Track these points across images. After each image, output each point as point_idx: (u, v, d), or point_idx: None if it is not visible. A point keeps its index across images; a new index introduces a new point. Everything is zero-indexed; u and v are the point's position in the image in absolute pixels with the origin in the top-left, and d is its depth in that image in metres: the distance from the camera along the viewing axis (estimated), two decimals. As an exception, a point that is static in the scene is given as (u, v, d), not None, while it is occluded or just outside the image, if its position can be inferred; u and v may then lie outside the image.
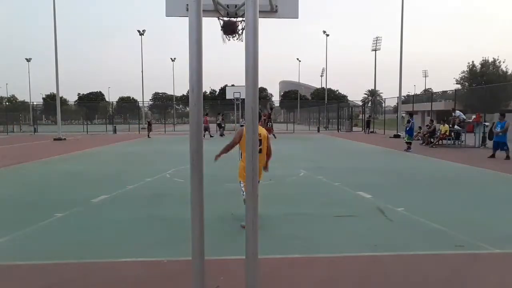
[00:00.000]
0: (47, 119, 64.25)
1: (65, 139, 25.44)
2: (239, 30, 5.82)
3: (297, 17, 5.50)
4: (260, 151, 5.08)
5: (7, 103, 72.57)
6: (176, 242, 4.66)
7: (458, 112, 19.31)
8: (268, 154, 5.37)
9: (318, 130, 37.21)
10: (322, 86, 71.31)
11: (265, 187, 7.52)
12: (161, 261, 4.03)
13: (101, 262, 4.07)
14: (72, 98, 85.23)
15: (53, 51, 25.92)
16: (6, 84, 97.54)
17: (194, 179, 2.47)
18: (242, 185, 5.28)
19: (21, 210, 6.33)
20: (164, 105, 68.37)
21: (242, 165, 5.16)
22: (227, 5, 5.35)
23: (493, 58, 45.07)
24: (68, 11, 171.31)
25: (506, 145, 12.91)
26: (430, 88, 78.62)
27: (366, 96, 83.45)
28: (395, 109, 32.32)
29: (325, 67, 59.46)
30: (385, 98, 41.17)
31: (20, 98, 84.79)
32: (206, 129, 25.22)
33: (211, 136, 25.02)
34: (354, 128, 37.38)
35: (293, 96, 73.55)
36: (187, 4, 2.50)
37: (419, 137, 19.54)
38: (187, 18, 2.35)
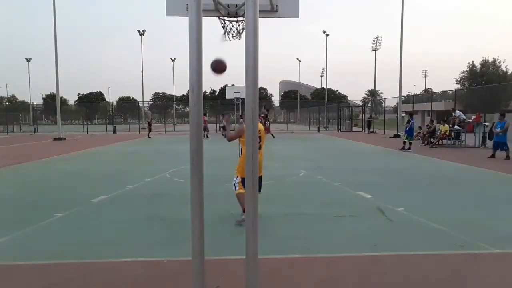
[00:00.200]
0: (47, 119, 64.27)
1: (65, 139, 25.44)
2: (239, 31, 5.83)
3: (297, 17, 5.50)
4: (260, 147, 5.13)
5: (7, 103, 72.57)
6: (176, 242, 4.66)
7: (458, 112, 19.32)
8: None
9: (318, 130, 37.20)
10: (322, 86, 71.33)
11: (265, 187, 7.50)
12: (161, 261, 4.03)
13: (101, 262, 4.07)
14: (72, 98, 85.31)
15: (53, 51, 25.95)
16: (6, 84, 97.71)
17: (194, 179, 2.47)
18: (237, 180, 5.33)
19: (21, 210, 6.32)
20: (164, 105, 68.38)
21: (243, 160, 5.19)
22: (228, 5, 5.35)
23: (493, 58, 45.12)
24: (68, 11, 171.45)
25: (506, 145, 12.90)
26: (430, 88, 78.71)
27: (366, 96, 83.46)
28: (395, 109, 32.32)
29: (325, 67, 59.52)
30: (385, 98, 41.19)
31: (20, 98, 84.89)
32: (205, 129, 25.24)
33: (207, 137, 24.97)
34: (354, 128, 37.37)
35: (293, 96, 73.55)
36: (187, 4, 2.50)
37: (419, 137, 19.54)
38: (187, 18, 2.35)
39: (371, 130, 31.81)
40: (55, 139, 24.77)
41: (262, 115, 23.68)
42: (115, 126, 36.40)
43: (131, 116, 59.53)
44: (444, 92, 43.89)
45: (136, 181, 8.71)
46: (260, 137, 4.96)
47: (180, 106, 73.60)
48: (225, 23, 5.88)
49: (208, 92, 75.49)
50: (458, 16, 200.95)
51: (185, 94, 76.00)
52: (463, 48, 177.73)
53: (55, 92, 27.94)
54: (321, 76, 73.69)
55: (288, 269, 3.89)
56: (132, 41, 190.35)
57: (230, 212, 5.82)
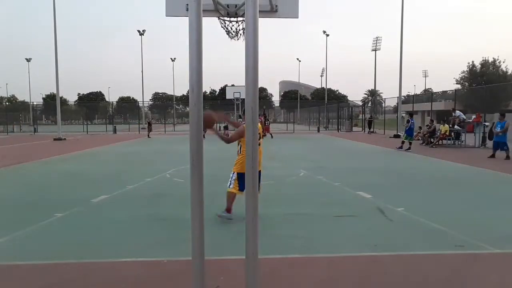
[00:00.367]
0: (47, 119, 64.31)
1: (65, 139, 25.44)
2: (239, 31, 5.83)
3: (297, 17, 5.50)
4: (259, 144, 5.14)
5: (7, 103, 72.57)
6: (176, 242, 4.66)
7: (458, 112, 19.32)
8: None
9: (318, 130, 37.21)
10: (322, 86, 71.31)
11: (265, 187, 7.51)
12: (161, 261, 4.02)
13: (101, 262, 4.07)
14: (72, 98, 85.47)
15: (53, 51, 25.96)
16: (6, 84, 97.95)
17: (194, 179, 2.47)
18: (234, 177, 5.37)
19: (21, 210, 6.32)
20: (164, 105, 68.41)
21: (242, 157, 5.23)
22: (227, 5, 5.35)
23: (493, 58, 45.10)
24: (68, 11, 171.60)
25: (506, 145, 12.91)
26: (430, 88, 78.72)
27: (366, 96, 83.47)
28: (395, 109, 32.32)
29: (325, 67, 59.53)
30: (385, 98, 41.19)
31: (20, 98, 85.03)
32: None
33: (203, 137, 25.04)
34: (354, 128, 37.37)
35: (293, 96, 73.57)
36: (187, 4, 2.50)
37: (419, 137, 19.54)
38: (187, 18, 2.35)
39: (372, 130, 31.80)
40: (55, 139, 24.78)
41: (261, 114, 24.12)
42: (115, 126, 36.41)
43: (131, 116, 59.57)
44: (444, 92, 43.91)
45: (136, 181, 8.71)
46: (259, 134, 4.99)
47: (180, 106, 73.63)
48: (225, 23, 5.88)
49: (208, 92, 75.54)
50: (458, 16, 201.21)
51: (185, 94, 76.05)
52: (463, 48, 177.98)
53: (55, 92, 27.97)
54: (321, 76, 73.72)
55: (288, 269, 3.89)
56: (132, 41, 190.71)
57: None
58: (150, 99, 79.36)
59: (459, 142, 17.96)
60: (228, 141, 5.35)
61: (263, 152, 5.55)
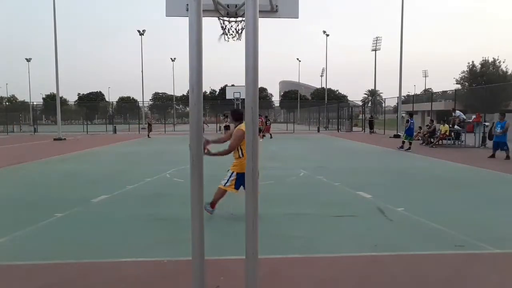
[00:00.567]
0: (47, 119, 64.29)
1: (65, 139, 25.44)
2: (239, 31, 5.83)
3: (297, 17, 5.49)
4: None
5: (7, 103, 72.56)
6: (176, 242, 4.66)
7: (458, 112, 19.31)
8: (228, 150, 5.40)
9: (318, 130, 37.21)
10: (322, 86, 71.32)
11: (265, 187, 7.51)
12: (161, 261, 4.02)
13: (101, 262, 4.07)
14: (72, 98, 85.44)
15: (53, 51, 25.95)
16: (6, 84, 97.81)
17: (194, 179, 2.47)
18: (233, 177, 5.37)
19: (21, 210, 6.32)
20: (164, 105, 68.40)
21: (245, 161, 5.22)
22: (227, 5, 5.34)
23: (493, 58, 45.12)
24: (68, 11, 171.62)
25: (506, 145, 12.90)
26: (430, 88, 78.75)
27: (366, 96, 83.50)
28: (395, 109, 32.30)
29: (325, 67, 59.56)
30: (385, 98, 41.23)
31: (20, 98, 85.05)
32: None
33: None
34: (354, 128, 37.37)
35: (293, 96, 73.57)
36: (187, 4, 2.50)
37: (419, 137, 19.54)
38: (187, 18, 2.35)
39: (372, 130, 31.75)
40: (55, 139, 24.78)
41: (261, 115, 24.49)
42: (115, 126, 36.41)
43: (131, 116, 59.55)
44: (444, 92, 43.92)
45: (136, 181, 8.71)
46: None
47: (180, 106, 73.63)
48: (224, 23, 5.87)
49: (208, 92, 75.51)
50: (458, 16, 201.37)
51: (185, 94, 76.03)
52: (463, 48, 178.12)
53: (55, 92, 27.96)
54: (321, 76, 73.73)
55: (288, 269, 3.89)
56: (132, 41, 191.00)
57: (230, 212, 5.82)
58: (150, 99, 79.42)
59: (459, 142, 17.96)
60: (229, 152, 5.35)
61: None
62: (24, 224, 5.35)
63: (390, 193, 7.45)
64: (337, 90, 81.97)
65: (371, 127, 31.88)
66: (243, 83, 2.41)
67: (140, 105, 54.46)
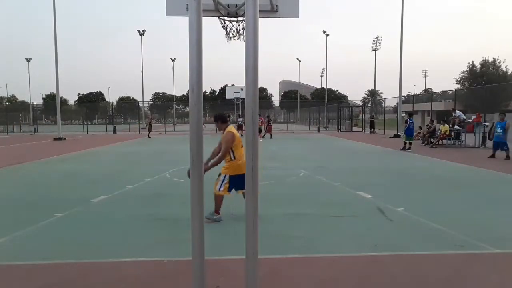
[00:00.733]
0: (47, 119, 64.30)
1: (65, 139, 25.45)
2: (239, 31, 5.83)
3: (297, 17, 5.50)
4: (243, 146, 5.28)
5: (7, 103, 72.56)
6: (176, 242, 4.65)
7: (458, 112, 19.32)
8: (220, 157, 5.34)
9: (318, 130, 37.21)
10: (322, 86, 71.32)
11: (265, 187, 7.52)
12: (161, 261, 4.02)
13: (101, 262, 4.07)
14: (72, 98, 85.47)
15: (53, 51, 25.95)
16: (6, 84, 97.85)
17: (194, 179, 2.47)
18: (225, 180, 5.35)
19: (21, 210, 6.32)
20: (164, 105, 68.41)
21: (238, 163, 5.28)
22: (228, 5, 5.35)
23: (493, 58, 45.16)
24: (68, 11, 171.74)
25: (506, 145, 12.90)
26: (430, 88, 78.75)
27: (366, 96, 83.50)
28: (395, 109, 32.31)
29: (325, 67, 59.57)
30: (385, 98, 41.24)
31: (20, 98, 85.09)
32: None
33: None
34: (354, 128, 37.38)
35: (293, 96, 73.58)
36: (187, 4, 2.50)
37: (419, 137, 19.54)
38: (187, 18, 2.35)
39: (373, 130, 31.71)
40: (55, 139, 24.78)
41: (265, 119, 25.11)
42: (115, 126, 36.41)
43: (131, 116, 59.55)
44: (444, 92, 43.91)
45: (136, 181, 8.71)
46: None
47: (180, 106, 73.63)
48: (225, 23, 5.87)
49: (208, 92, 75.55)
50: (458, 16, 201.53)
51: (185, 94, 76.05)
52: (463, 48, 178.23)
53: (55, 92, 27.97)
54: (321, 76, 73.72)
55: (288, 269, 3.89)
56: (132, 41, 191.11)
57: (230, 212, 5.82)
58: (150, 99, 79.44)
59: (459, 142, 17.96)
60: (223, 158, 5.33)
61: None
62: (24, 224, 5.35)
63: (390, 193, 7.45)
64: (337, 90, 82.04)
65: (372, 127, 31.84)
66: (243, 83, 2.41)
67: (140, 105, 54.49)
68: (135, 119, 53.05)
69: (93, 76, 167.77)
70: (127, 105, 68.31)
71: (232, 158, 5.36)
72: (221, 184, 5.38)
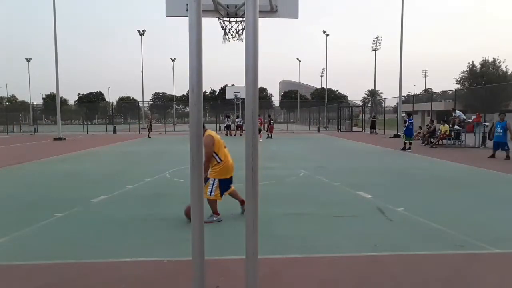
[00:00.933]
0: (47, 119, 64.31)
1: (65, 139, 25.45)
2: (239, 31, 5.82)
3: (297, 17, 5.49)
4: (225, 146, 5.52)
5: (7, 103, 72.54)
6: (176, 242, 4.65)
7: (458, 112, 19.32)
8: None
9: (318, 130, 37.21)
10: (322, 86, 71.33)
11: (265, 187, 7.52)
12: (161, 261, 4.02)
13: (101, 262, 4.07)
14: (72, 98, 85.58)
15: (53, 51, 25.96)
16: (6, 84, 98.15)
17: (194, 179, 2.48)
18: (215, 184, 5.35)
19: (21, 210, 6.32)
20: (164, 105, 68.41)
21: (225, 165, 5.38)
22: (227, 5, 5.34)
23: (493, 58, 45.19)
24: (68, 11, 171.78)
25: (507, 145, 12.91)
26: (430, 88, 78.82)
27: (366, 96, 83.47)
28: (395, 109, 32.30)
29: (325, 67, 59.58)
30: (385, 98, 41.25)
31: (20, 98, 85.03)
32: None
33: None
34: (354, 128, 37.37)
35: (293, 96, 73.57)
36: (187, 4, 2.50)
37: (419, 137, 19.54)
38: (187, 18, 2.35)
39: (374, 130, 31.65)
40: (55, 139, 24.78)
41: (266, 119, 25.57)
42: (115, 126, 36.41)
43: (131, 116, 59.54)
44: (444, 92, 43.91)
45: (136, 181, 8.71)
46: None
47: (180, 106, 73.61)
48: (224, 23, 5.87)
49: (208, 92, 75.51)
50: (458, 16, 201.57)
51: (185, 94, 76.03)
52: (463, 48, 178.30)
53: (55, 92, 27.96)
54: (321, 76, 73.77)
55: (288, 269, 3.89)
56: (132, 41, 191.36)
57: (230, 212, 5.82)
58: (150, 99, 79.45)
59: (459, 142, 17.96)
60: (208, 162, 5.32)
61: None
62: (24, 224, 5.35)
63: (390, 193, 7.45)
64: (337, 90, 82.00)
65: (373, 127, 31.77)
66: (243, 83, 2.41)
67: (140, 105, 54.47)
68: (135, 119, 53.04)
69: (93, 76, 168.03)
70: (127, 105, 68.28)
71: (219, 161, 5.36)
72: (212, 189, 5.35)
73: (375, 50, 53.99)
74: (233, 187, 5.64)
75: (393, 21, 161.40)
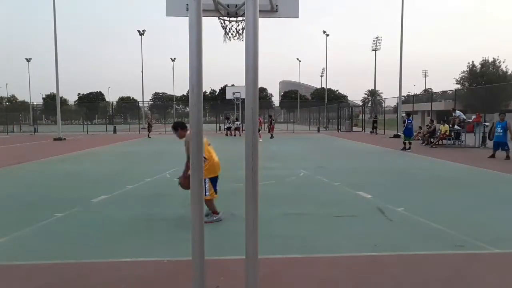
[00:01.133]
0: (47, 119, 64.29)
1: (65, 139, 25.45)
2: (239, 31, 5.82)
3: (297, 17, 5.49)
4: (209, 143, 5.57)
5: (7, 103, 72.53)
6: (176, 242, 4.65)
7: (458, 112, 19.32)
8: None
9: (318, 130, 37.21)
10: (322, 86, 71.35)
11: (265, 187, 7.52)
12: (161, 261, 4.02)
13: (101, 262, 4.07)
14: (72, 98, 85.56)
15: (53, 51, 25.95)
16: (6, 84, 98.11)
17: (194, 179, 2.48)
18: (207, 184, 5.36)
19: (21, 210, 6.32)
20: (164, 105, 68.41)
21: (211, 163, 5.44)
22: (227, 5, 5.34)
23: (493, 58, 45.24)
24: (68, 11, 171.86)
25: (507, 145, 12.91)
26: (430, 88, 78.83)
27: (366, 96, 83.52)
28: (395, 109, 32.30)
29: (325, 67, 59.61)
30: (385, 98, 41.23)
31: (20, 98, 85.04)
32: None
33: None
34: (354, 128, 37.37)
35: (293, 96, 73.56)
36: (187, 4, 2.50)
37: (419, 137, 19.53)
38: (187, 18, 2.35)
39: (374, 130, 31.62)
40: (55, 139, 24.78)
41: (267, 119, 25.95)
42: (115, 126, 36.42)
43: (131, 116, 59.53)
44: (444, 92, 43.94)
45: (136, 181, 8.71)
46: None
47: (180, 106, 73.58)
48: (225, 23, 5.87)
49: (208, 92, 75.50)
50: (458, 16, 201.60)
51: (185, 94, 76.02)
52: (463, 48, 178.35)
53: (55, 92, 27.96)
54: (321, 76, 73.81)
55: (288, 269, 3.89)
56: (132, 41, 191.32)
57: (230, 212, 5.82)
58: (150, 99, 79.45)
59: (459, 142, 17.96)
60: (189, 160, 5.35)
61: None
62: (24, 224, 5.35)
63: (390, 193, 7.45)
64: (337, 90, 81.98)
65: (375, 127, 31.73)
66: (243, 83, 2.41)
67: (140, 105, 54.47)
68: (135, 119, 53.03)
69: (93, 76, 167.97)
70: (127, 105, 68.27)
71: (205, 160, 5.36)
72: (205, 189, 5.33)
73: (375, 50, 54.07)
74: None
75: (393, 21, 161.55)
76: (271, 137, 25.44)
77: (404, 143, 16.36)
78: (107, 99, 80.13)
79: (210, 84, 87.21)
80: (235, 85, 39.74)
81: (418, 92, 75.48)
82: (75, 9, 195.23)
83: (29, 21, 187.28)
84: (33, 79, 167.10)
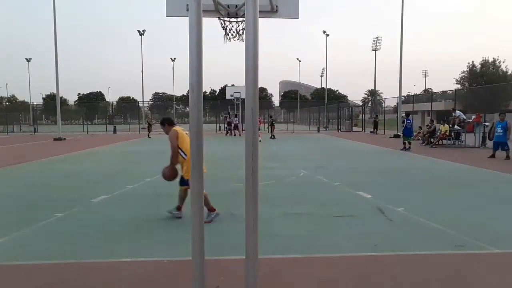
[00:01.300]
0: (47, 119, 64.27)
1: (65, 139, 25.45)
2: (239, 31, 5.82)
3: (297, 17, 5.49)
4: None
5: (7, 103, 72.52)
6: (176, 242, 4.66)
7: (458, 112, 19.32)
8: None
9: (318, 130, 37.21)
10: (322, 86, 71.36)
11: (265, 187, 7.52)
12: (161, 261, 4.02)
13: (101, 262, 4.07)
14: (72, 98, 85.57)
15: (53, 51, 25.96)
16: (6, 84, 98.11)
17: (194, 179, 2.48)
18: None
19: (21, 210, 6.32)
20: (164, 105, 68.42)
21: (187, 163, 5.27)
22: (228, 5, 5.34)
23: (493, 58, 45.24)
24: (68, 11, 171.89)
25: (507, 145, 12.90)
26: (430, 88, 78.81)
27: (366, 96, 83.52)
28: (395, 109, 32.29)
29: (325, 67, 59.60)
30: (385, 98, 41.25)
31: (20, 98, 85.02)
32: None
33: None
34: (354, 128, 37.37)
35: (293, 96, 73.57)
36: (187, 4, 2.51)
37: (419, 137, 19.53)
38: (187, 18, 2.35)
39: (375, 130, 31.59)
40: (55, 139, 24.78)
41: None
42: (115, 126, 36.42)
43: (131, 116, 59.53)
44: (444, 92, 43.95)
45: (136, 181, 8.71)
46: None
47: (180, 106, 73.58)
48: (225, 23, 5.87)
49: (208, 92, 75.52)
50: (458, 16, 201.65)
51: (185, 94, 76.00)
52: (463, 48, 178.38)
53: (55, 92, 27.96)
54: (321, 76, 73.82)
55: (288, 269, 3.89)
56: (132, 41, 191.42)
57: (230, 212, 5.82)
58: (150, 99, 79.41)
59: (459, 142, 17.96)
60: (174, 154, 5.42)
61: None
62: (24, 224, 5.35)
63: (390, 193, 7.45)
64: (337, 90, 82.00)
65: (376, 127, 31.69)
66: (243, 83, 2.41)
67: (140, 105, 54.47)
68: (135, 119, 53.02)
69: (93, 76, 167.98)
70: (127, 105, 68.26)
71: (184, 156, 5.36)
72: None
73: (375, 50, 54.11)
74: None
75: (393, 21, 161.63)
76: (273, 137, 25.37)
77: (404, 143, 16.36)
78: (107, 99, 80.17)
79: (210, 84, 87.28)
80: (235, 85, 39.77)
81: (418, 92, 75.55)
82: (75, 9, 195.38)
83: (29, 21, 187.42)
84: (33, 79, 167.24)
